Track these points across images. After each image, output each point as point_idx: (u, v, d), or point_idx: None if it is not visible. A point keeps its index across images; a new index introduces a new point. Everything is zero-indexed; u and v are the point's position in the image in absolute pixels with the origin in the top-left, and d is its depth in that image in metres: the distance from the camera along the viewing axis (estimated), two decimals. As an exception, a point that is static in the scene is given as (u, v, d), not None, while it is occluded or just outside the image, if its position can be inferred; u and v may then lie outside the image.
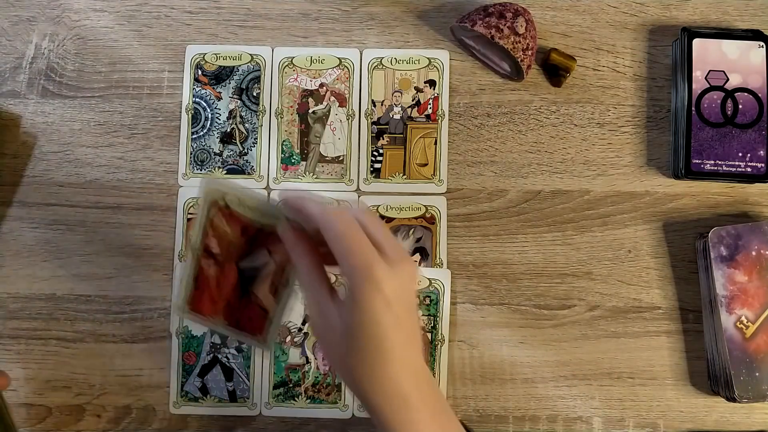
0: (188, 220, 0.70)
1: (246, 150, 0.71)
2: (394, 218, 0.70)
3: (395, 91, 0.72)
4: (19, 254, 0.70)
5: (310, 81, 0.72)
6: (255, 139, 0.71)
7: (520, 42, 0.67)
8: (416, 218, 0.70)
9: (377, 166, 0.71)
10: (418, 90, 0.72)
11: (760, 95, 0.69)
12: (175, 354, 0.69)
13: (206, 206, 0.54)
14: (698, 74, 0.69)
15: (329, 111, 0.72)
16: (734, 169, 0.68)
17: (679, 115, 0.69)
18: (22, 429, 0.68)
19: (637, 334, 0.69)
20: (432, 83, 0.72)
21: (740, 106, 0.69)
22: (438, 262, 0.70)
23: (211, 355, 0.69)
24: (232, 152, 0.71)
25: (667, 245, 0.70)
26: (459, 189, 0.71)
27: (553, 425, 0.68)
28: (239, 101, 0.72)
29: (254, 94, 0.72)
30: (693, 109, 0.69)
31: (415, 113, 0.72)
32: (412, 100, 0.72)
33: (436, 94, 0.72)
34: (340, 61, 0.72)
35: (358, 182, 0.71)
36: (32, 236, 0.70)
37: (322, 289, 0.50)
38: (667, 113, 0.72)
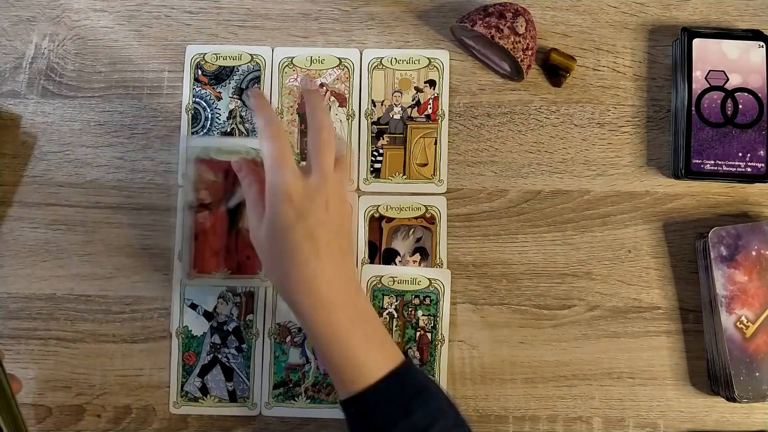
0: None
1: (246, 150, 0.72)
2: (394, 218, 0.70)
3: (395, 91, 0.72)
4: (19, 254, 0.70)
5: (310, 81, 0.72)
6: (255, 139, 0.71)
7: (520, 42, 0.67)
8: (416, 218, 0.70)
9: (377, 166, 0.71)
10: (418, 90, 0.72)
11: (760, 95, 0.69)
12: (175, 354, 0.69)
13: (194, 165, 0.68)
14: (698, 74, 0.69)
15: (329, 111, 0.72)
16: (734, 169, 0.68)
17: (679, 115, 0.69)
18: (22, 429, 0.68)
19: (637, 334, 0.69)
20: (432, 83, 0.72)
21: (740, 106, 0.69)
22: (438, 262, 0.70)
23: (211, 355, 0.69)
24: (232, 152, 0.72)
25: (667, 245, 0.70)
26: (459, 189, 0.71)
27: (553, 425, 0.68)
28: (239, 101, 0.72)
29: (254, 94, 0.72)
30: (693, 109, 0.69)
31: (415, 113, 0.72)
32: (412, 100, 0.72)
33: (436, 94, 0.72)
34: (340, 61, 0.72)
35: (358, 182, 0.71)
36: (32, 236, 0.70)
37: (257, 209, 0.59)
38: (667, 113, 0.72)
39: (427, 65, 0.72)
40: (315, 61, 0.72)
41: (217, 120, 0.71)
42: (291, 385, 0.69)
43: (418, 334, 0.69)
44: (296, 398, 0.69)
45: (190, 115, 0.72)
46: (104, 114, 0.72)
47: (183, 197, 0.70)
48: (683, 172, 0.68)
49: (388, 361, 0.56)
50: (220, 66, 0.72)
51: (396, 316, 0.69)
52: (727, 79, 0.69)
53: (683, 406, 0.68)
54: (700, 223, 0.70)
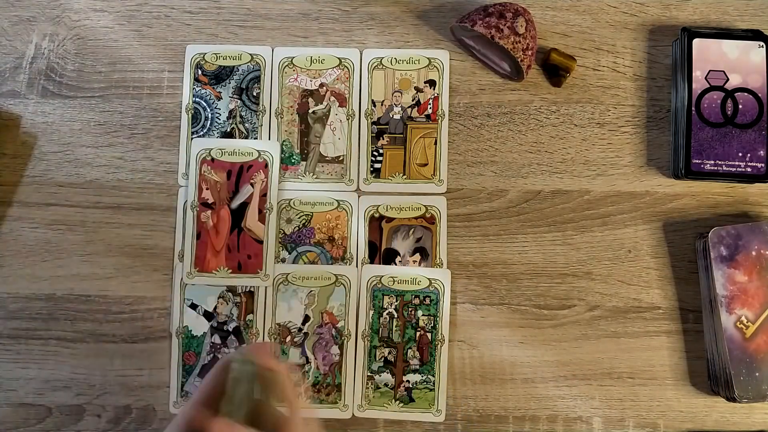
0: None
1: (246, 150, 0.72)
2: (394, 218, 0.70)
3: (395, 91, 0.72)
4: (19, 254, 0.70)
5: (310, 81, 0.72)
6: (255, 139, 0.71)
7: (520, 42, 0.67)
8: (416, 218, 0.70)
9: (377, 166, 0.71)
10: (418, 90, 0.72)
11: (760, 95, 0.69)
12: (175, 354, 0.69)
13: (197, 164, 0.68)
14: (698, 74, 0.69)
15: (329, 111, 0.72)
16: (734, 169, 0.68)
17: (679, 115, 0.69)
18: (22, 429, 0.68)
19: (637, 334, 0.69)
20: (432, 83, 0.72)
21: (740, 106, 0.69)
22: (438, 262, 0.70)
23: (211, 355, 0.69)
24: (232, 152, 0.72)
25: (667, 245, 0.70)
26: (459, 189, 0.71)
27: (553, 425, 0.68)
28: (239, 101, 0.72)
29: (254, 94, 0.72)
30: (693, 109, 0.69)
31: (415, 113, 0.72)
32: (412, 100, 0.72)
33: (436, 94, 0.72)
34: (340, 61, 0.72)
35: (358, 182, 0.71)
36: (32, 236, 0.70)
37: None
38: (667, 113, 0.72)
39: (427, 65, 0.72)
40: (315, 61, 0.72)
41: (217, 120, 0.71)
42: (291, 385, 0.69)
43: (418, 334, 0.69)
44: (296, 398, 0.69)
45: (190, 115, 0.72)
46: (104, 114, 0.72)
47: (184, 197, 0.70)
48: (683, 172, 0.68)
49: None
50: (220, 66, 0.72)
51: (396, 316, 0.69)
52: (727, 79, 0.69)
53: (683, 406, 0.68)
54: (700, 223, 0.70)
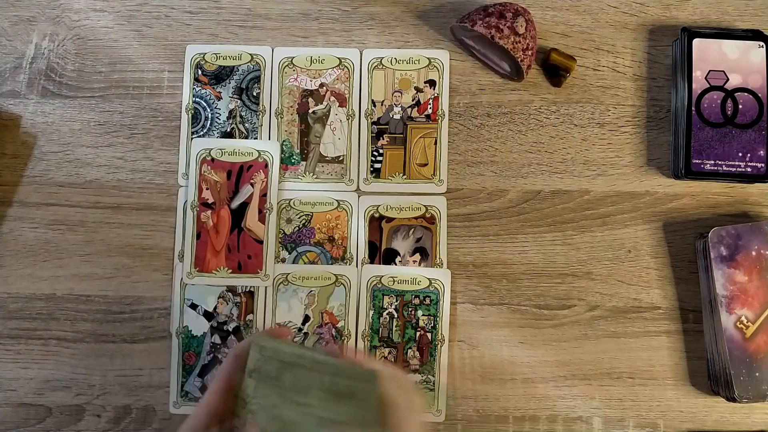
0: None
1: (246, 150, 0.72)
2: (394, 218, 0.70)
3: (395, 91, 0.72)
4: (19, 254, 0.70)
5: (310, 81, 0.72)
6: (255, 139, 0.71)
7: (520, 42, 0.67)
8: (416, 218, 0.70)
9: (377, 166, 0.71)
10: (418, 90, 0.72)
11: (760, 95, 0.69)
12: (175, 354, 0.69)
13: (197, 164, 0.68)
14: (698, 74, 0.69)
15: (329, 111, 0.72)
16: (734, 169, 0.68)
17: (679, 115, 0.69)
18: (22, 429, 0.68)
19: (637, 334, 0.69)
20: (432, 83, 0.72)
21: (740, 106, 0.69)
22: (438, 262, 0.70)
23: (211, 355, 0.69)
24: (232, 152, 0.72)
25: (667, 245, 0.70)
26: (459, 189, 0.71)
27: (553, 425, 0.68)
28: (239, 101, 0.72)
29: (254, 94, 0.72)
30: (693, 109, 0.69)
31: (415, 113, 0.72)
32: (412, 100, 0.72)
33: (436, 94, 0.72)
34: (340, 61, 0.72)
35: (358, 182, 0.71)
36: (32, 236, 0.70)
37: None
38: (667, 113, 0.72)
39: (427, 65, 0.72)
40: (315, 61, 0.72)
41: (217, 120, 0.71)
42: (291, 385, 0.69)
43: (418, 334, 0.69)
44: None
45: (190, 115, 0.72)
46: (104, 114, 0.72)
47: (184, 197, 0.70)
48: (683, 172, 0.68)
49: None
50: (220, 66, 0.72)
51: (396, 316, 0.69)
52: (727, 79, 0.69)
53: (683, 406, 0.68)
54: (700, 223, 0.70)
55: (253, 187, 0.70)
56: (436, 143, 0.71)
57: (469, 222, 0.70)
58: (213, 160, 0.70)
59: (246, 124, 0.71)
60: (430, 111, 0.72)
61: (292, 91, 0.72)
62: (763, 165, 0.68)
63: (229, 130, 0.71)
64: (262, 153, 0.71)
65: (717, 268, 0.66)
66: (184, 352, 0.69)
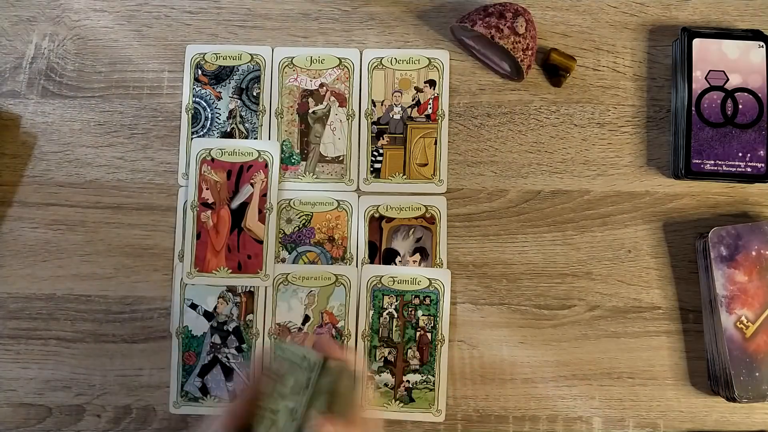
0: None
1: (246, 150, 0.72)
2: (394, 218, 0.70)
3: (395, 91, 0.72)
4: (19, 254, 0.70)
5: (310, 81, 0.72)
6: (255, 139, 0.71)
7: (520, 42, 0.67)
8: (416, 218, 0.70)
9: (377, 166, 0.71)
10: (418, 90, 0.72)
11: (760, 95, 0.69)
12: (175, 354, 0.69)
13: (197, 164, 0.68)
14: (698, 74, 0.69)
15: (329, 111, 0.72)
16: (734, 169, 0.68)
17: (679, 115, 0.69)
18: (22, 429, 0.68)
19: (637, 334, 0.69)
20: (432, 83, 0.72)
21: (740, 106, 0.69)
22: (438, 262, 0.70)
23: (211, 355, 0.69)
24: (232, 152, 0.72)
25: (667, 245, 0.70)
26: (459, 189, 0.71)
27: (553, 425, 0.68)
28: (239, 101, 0.72)
29: (254, 94, 0.72)
30: (693, 109, 0.69)
31: (415, 113, 0.72)
32: (412, 100, 0.72)
33: (436, 94, 0.72)
34: (340, 61, 0.72)
35: (358, 182, 0.71)
36: (32, 236, 0.70)
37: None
38: (667, 113, 0.72)
39: (427, 65, 0.72)
40: (315, 61, 0.72)
41: (217, 120, 0.71)
42: (291, 385, 0.69)
43: (418, 334, 0.69)
44: (296, 398, 0.68)
45: (190, 115, 0.72)
46: (104, 114, 0.72)
47: (184, 197, 0.70)
48: (683, 172, 0.68)
49: None
50: (220, 66, 0.72)
51: (396, 316, 0.69)
52: (727, 79, 0.69)
53: (683, 406, 0.68)
54: (700, 223, 0.70)
55: (253, 187, 0.70)
56: (436, 143, 0.71)
57: (469, 222, 0.70)
58: (213, 160, 0.70)
59: (246, 124, 0.71)
60: (430, 111, 0.72)
61: (292, 91, 0.72)
62: (763, 165, 0.68)
63: (229, 130, 0.71)
64: (262, 153, 0.71)
65: (717, 268, 0.66)
66: (184, 352, 0.69)
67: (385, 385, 0.69)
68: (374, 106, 0.72)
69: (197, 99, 0.72)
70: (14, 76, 0.72)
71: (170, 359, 0.69)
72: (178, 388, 0.69)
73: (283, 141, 0.71)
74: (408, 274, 0.69)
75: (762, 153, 0.68)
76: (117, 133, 0.72)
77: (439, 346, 0.69)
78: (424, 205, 0.70)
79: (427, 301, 0.69)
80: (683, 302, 0.69)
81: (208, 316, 0.69)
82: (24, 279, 0.70)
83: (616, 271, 0.70)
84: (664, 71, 0.72)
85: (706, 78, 0.69)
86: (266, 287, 0.69)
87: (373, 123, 0.72)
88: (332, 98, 0.72)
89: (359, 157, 0.71)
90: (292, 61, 0.72)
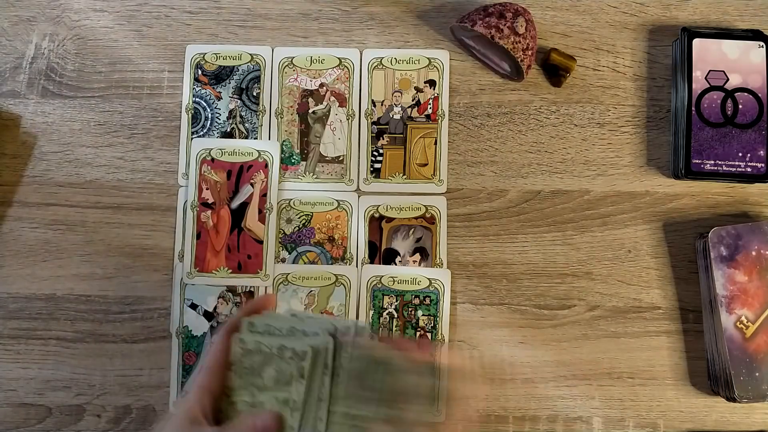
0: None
1: (246, 150, 0.72)
2: (394, 218, 0.70)
3: (395, 91, 0.72)
4: (19, 254, 0.70)
5: (310, 81, 0.72)
6: (255, 139, 0.71)
7: (520, 42, 0.67)
8: (416, 218, 0.70)
9: (377, 166, 0.71)
10: (418, 90, 0.72)
11: (760, 95, 0.69)
12: (175, 354, 0.69)
13: (197, 164, 0.68)
14: (698, 74, 0.69)
15: (329, 111, 0.72)
16: (734, 169, 0.68)
17: (679, 115, 0.69)
18: (22, 429, 0.68)
19: (637, 334, 0.69)
20: (432, 83, 0.72)
21: (740, 106, 0.69)
22: (438, 262, 0.70)
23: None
24: (232, 152, 0.72)
25: (667, 245, 0.70)
26: (459, 189, 0.71)
27: (553, 425, 0.68)
28: (239, 101, 0.72)
29: (254, 94, 0.72)
30: (693, 109, 0.69)
31: (415, 113, 0.72)
32: (412, 100, 0.72)
33: (436, 94, 0.72)
34: (340, 61, 0.72)
35: (358, 182, 0.71)
36: (32, 236, 0.70)
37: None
38: (667, 113, 0.72)
39: (427, 65, 0.72)
40: (315, 61, 0.72)
41: (217, 120, 0.71)
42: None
43: (418, 334, 0.69)
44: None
45: (190, 115, 0.72)
46: (104, 114, 0.72)
47: (184, 197, 0.70)
48: (683, 172, 0.68)
49: None
50: (220, 66, 0.72)
51: (396, 316, 0.69)
52: (727, 79, 0.69)
53: (683, 406, 0.68)
54: (700, 223, 0.70)
55: (253, 187, 0.70)
56: (436, 143, 0.71)
57: (469, 222, 0.70)
58: (213, 160, 0.70)
59: (246, 124, 0.71)
60: (430, 111, 0.72)
61: (292, 91, 0.72)
62: (763, 165, 0.68)
63: (229, 130, 0.71)
64: (262, 153, 0.71)
65: (717, 268, 0.66)
66: (184, 352, 0.69)
67: (385, 385, 0.69)
68: (374, 106, 0.72)
69: (197, 99, 0.72)
70: (14, 76, 0.72)
71: (170, 359, 0.69)
72: (178, 388, 0.68)
73: (283, 141, 0.71)
74: (408, 274, 0.69)
75: (762, 153, 0.68)
76: (117, 133, 0.72)
77: (439, 346, 0.69)
78: (424, 205, 0.70)
79: (427, 301, 0.69)
80: (683, 302, 0.69)
81: (208, 316, 0.69)
82: (24, 279, 0.70)
83: (616, 271, 0.70)
84: (664, 71, 0.72)
85: (706, 78, 0.69)
86: (266, 287, 0.69)
87: (373, 123, 0.72)
88: (332, 98, 0.72)
89: (359, 157, 0.71)
90: (292, 61, 0.72)
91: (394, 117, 0.72)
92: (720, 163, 0.68)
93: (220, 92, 0.72)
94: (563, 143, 0.71)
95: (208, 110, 0.72)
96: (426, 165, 0.71)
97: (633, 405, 0.68)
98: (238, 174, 0.70)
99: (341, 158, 0.71)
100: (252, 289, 0.69)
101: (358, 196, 0.71)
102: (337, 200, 0.70)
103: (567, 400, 0.68)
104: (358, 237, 0.70)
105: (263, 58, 0.72)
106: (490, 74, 0.72)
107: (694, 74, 0.69)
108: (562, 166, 0.71)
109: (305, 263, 0.70)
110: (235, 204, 0.70)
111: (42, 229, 0.70)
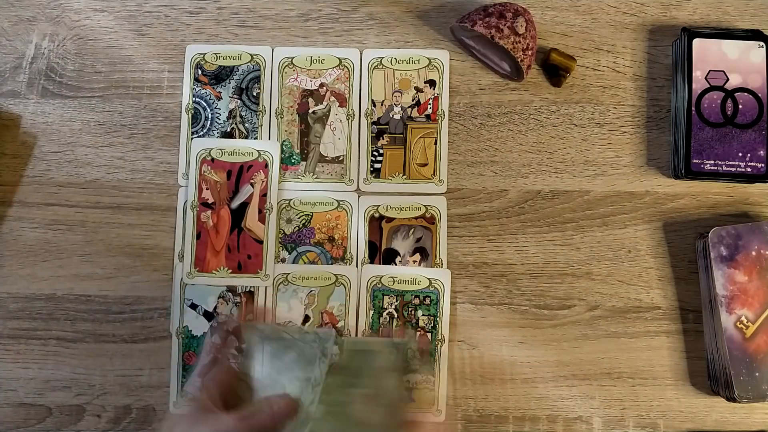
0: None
1: (246, 150, 0.72)
2: (394, 218, 0.70)
3: (395, 91, 0.72)
4: (19, 254, 0.70)
5: (310, 81, 0.72)
6: (255, 139, 0.71)
7: (520, 42, 0.67)
8: (416, 218, 0.70)
9: (377, 166, 0.71)
10: (418, 90, 0.72)
11: (760, 95, 0.69)
12: (175, 354, 0.69)
13: (197, 164, 0.68)
14: (698, 74, 0.69)
15: (329, 111, 0.72)
16: (734, 169, 0.68)
17: (679, 115, 0.69)
18: (22, 429, 0.68)
19: (637, 334, 0.69)
20: (432, 83, 0.72)
21: (740, 106, 0.69)
22: (438, 262, 0.70)
23: (211, 355, 0.69)
24: (232, 152, 0.72)
25: (667, 245, 0.70)
26: (459, 189, 0.71)
27: (553, 425, 0.68)
28: (239, 101, 0.72)
29: (254, 94, 0.72)
30: (693, 109, 0.69)
31: (415, 113, 0.72)
32: (412, 100, 0.72)
33: (436, 94, 0.72)
34: (340, 61, 0.72)
35: (358, 182, 0.71)
36: (32, 236, 0.70)
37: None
38: (667, 113, 0.72)
39: (427, 65, 0.72)
40: (315, 61, 0.72)
41: (217, 120, 0.71)
42: (291, 385, 0.69)
43: (418, 334, 0.69)
44: (296, 398, 0.69)
45: (190, 115, 0.72)
46: (104, 114, 0.72)
47: (184, 197, 0.70)
48: (683, 172, 0.68)
49: None
50: (220, 66, 0.72)
51: (396, 316, 0.69)
52: (727, 79, 0.69)
53: (683, 406, 0.68)
54: (700, 223, 0.70)
55: (253, 187, 0.70)
56: (436, 143, 0.71)
57: (469, 222, 0.70)
58: (213, 160, 0.71)
59: (246, 124, 0.71)
60: (430, 111, 0.72)
61: (292, 91, 0.72)
62: (763, 165, 0.68)
63: (229, 130, 0.71)
64: (262, 153, 0.71)
65: (717, 268, 0.66)
66: (184, 352, 0.69)
67: (385, 385, 0.69)
68: (374, 106, 0.72)
69: (197, 99, 0.72)
70: (14, 76, 0.72)
71: (170, 359, 0.69)
72: (178, 388, 0.68)
73: (283, 141, 0.71)
74: (408, 274, 0.69)
75: (762, 153, 0.68)
76: (117, 133, 0.72)
77: (439, 346, 0.69)
78: (424, 205, 0.70)
79: (427, 301, 0.69)
80: (683, 302, 0.69)
81: (208, 316, 0.69)
82: (24, 279, 0.70)
83: (616, 271, 0.70)
84: (664, 71, 0.72)
85: (706, 78, 0.69)
86: (266, 287, 0.69)
87: (373, 123, 0.72)
88: (332, 98, 0.72)
89: (359, 157, 0.71)
90: (292, 61, 0.72)
91: (394, 117, 0.72)
92: (720, 163, 0.68)
93: (220, 92, 0.72)
94: (563, 143, 0.71)
95: (208, 110, 0.72)
96: (426, 165, 0.71)
97: (633, 405, 0.68)
98: (238, 174, 0.70)
99: (341, 158, 0.71)
100: (252, 289, 0.69)
101: (358, 196, 0.71)
102: (337, 200, 0.71)
103: (567, 400, 0.68)
104: (358, 237, 0.70)
105: (263, 58, 0.72)
106: (490, 74, 0.72)
107: (694, 74, 0.69)
108: (562, 166, 0.71)
109: (305, 263, 0.70)
110: (235, 204, 0.70)
111: (42, 229, 0.70)
